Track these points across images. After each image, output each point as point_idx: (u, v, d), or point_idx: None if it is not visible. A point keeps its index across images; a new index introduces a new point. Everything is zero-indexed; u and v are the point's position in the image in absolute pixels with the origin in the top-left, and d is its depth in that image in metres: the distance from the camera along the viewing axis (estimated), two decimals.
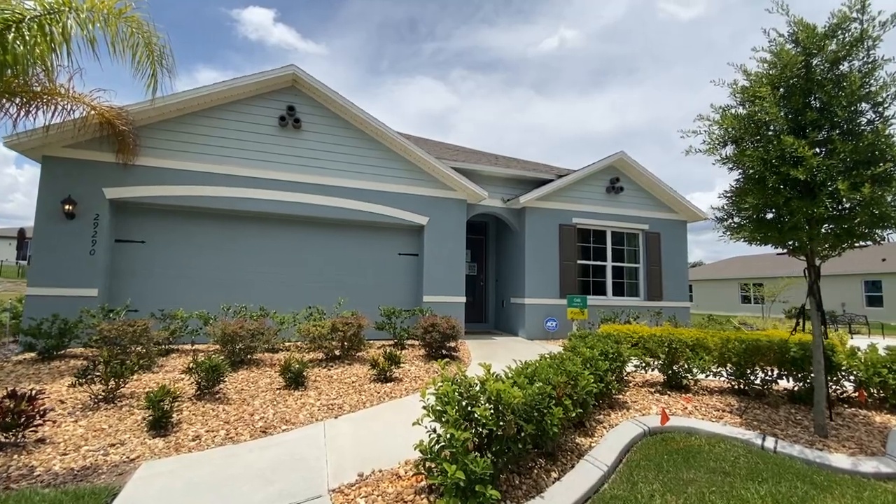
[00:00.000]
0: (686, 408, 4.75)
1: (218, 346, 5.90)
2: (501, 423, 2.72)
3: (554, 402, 3.12)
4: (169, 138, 7.37)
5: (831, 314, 26.31)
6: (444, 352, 6.73)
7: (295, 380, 4.97)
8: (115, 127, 6.72)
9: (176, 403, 4.08)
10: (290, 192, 7.90)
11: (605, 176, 10.56)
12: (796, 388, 5.07)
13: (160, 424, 3.74)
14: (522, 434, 2.85)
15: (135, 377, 5.10)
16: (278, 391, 4.87)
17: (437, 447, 2.74)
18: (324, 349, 6.18)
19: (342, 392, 4.95)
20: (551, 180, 10.07)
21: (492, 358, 7.11)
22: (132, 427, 3.82)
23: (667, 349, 5.29)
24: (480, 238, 11.31)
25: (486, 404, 2.83)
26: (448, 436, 2.61)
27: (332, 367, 5.95)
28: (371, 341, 7.54)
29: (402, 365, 5.68)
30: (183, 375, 5.07)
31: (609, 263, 10.50)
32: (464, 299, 8.86)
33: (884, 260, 26.98)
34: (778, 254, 31.57)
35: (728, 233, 4.70)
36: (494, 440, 2.75)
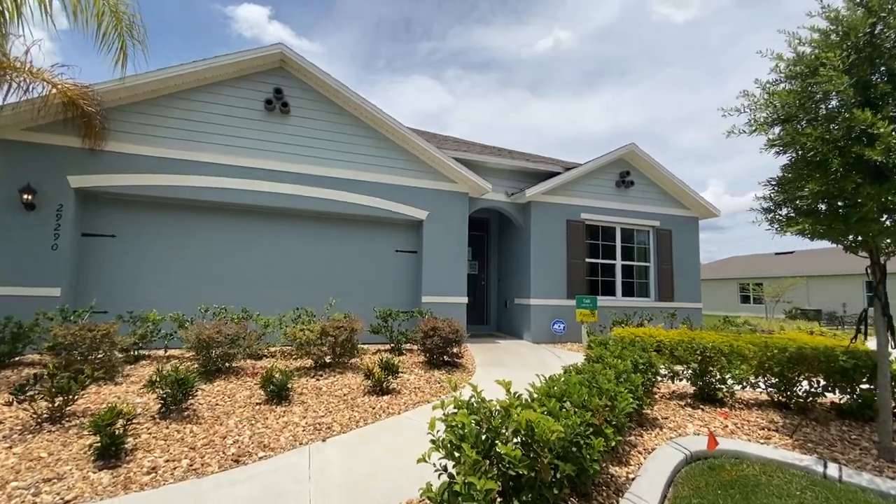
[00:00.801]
0: (726, 425, 4.16)
1: (193, 353, 5.24)
2: (535, 465, 2.10)
3: (593, 430, 2.51)
4: (142, 122, 6.68)
5: (831, 314, 26.02)
6: (446, 358, 6.11)
7: (278, 393, 4.33)
8: (80, 108, 6.03)
9: (133, 425, 3.44)
10: (278, 183, 7.24)
11: (615, 169, 9.98)
12: (844, 402, 4.51)
13: (109, 453, 3.09)
14: (559, 476, 2.23)
15: (93, 389, 4.45)
16: (258, 406, 4.22)
17: (448, 495, 2.12)
18: (312, 356, 5.54)
19: (332, 407, 4.31)
20: (558, 173, 9.47)
21: (498, 365, 6.50)
22: (77, 455, 3.16)
23: (699, 357, 4.70)
24: (482, 235, 10.70)
25: (514, 438, 2.21)
26: (465, 483, 1.99)
27: (321, 376, 5.31)
28: (365, 346, 6.91)
29: (400, 374, 5.05)
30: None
31: (618, 262, 9.92)
32: (466, 300, 8.25)
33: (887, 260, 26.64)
34: (777, 253, 30.82)
35: (775, 226, 4.11)
36: (525, 487, 2.13)
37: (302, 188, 7.37)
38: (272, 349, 6.33)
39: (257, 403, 4.30)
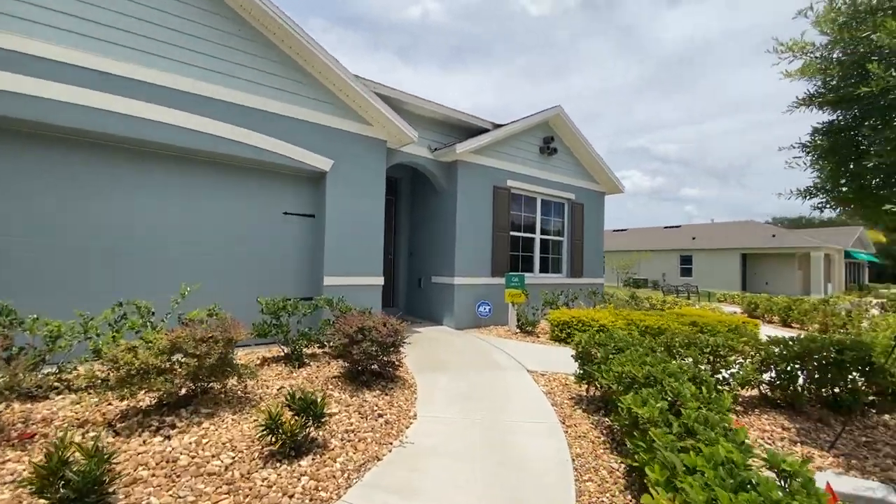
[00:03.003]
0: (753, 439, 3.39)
1: None
2: None
3: None
4: None
5: (655, 282, 31.18)
6: (375, 367, 4.30)
7: None
8: None
9: None
10: (94, 91, 4.25)
11: (540, 133, 9.02)
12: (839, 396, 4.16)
13: None
14: None
15: None
16: None
17: None
18: (156, 389, 3.17)
19: None
20: (486, 130, 8.07)
21: (440, 368, 4.95)
22: None
23: (709, 355, 3.88)
24: (390, 199, 8.76)
25: None
26: None
27: (173, 427, 3.02)
28: (245, 350, 4.68)
29: (324, 416, 3.10)
30: None
31: (538, 236, 9.14)
32: (381, 280, 6.41)
33: (693, 238, 32.82)
34: (614, 230, 35.30)
35: (836, 206, 3.36)
36: None
37: (138, 106, 4.48)
38: (73, 374, 3.64)
39: None
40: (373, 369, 4.25)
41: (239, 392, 3.70)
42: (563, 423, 3.60)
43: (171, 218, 5.02)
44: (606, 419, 3.63)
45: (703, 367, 3.87)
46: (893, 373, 4.10)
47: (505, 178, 8.27)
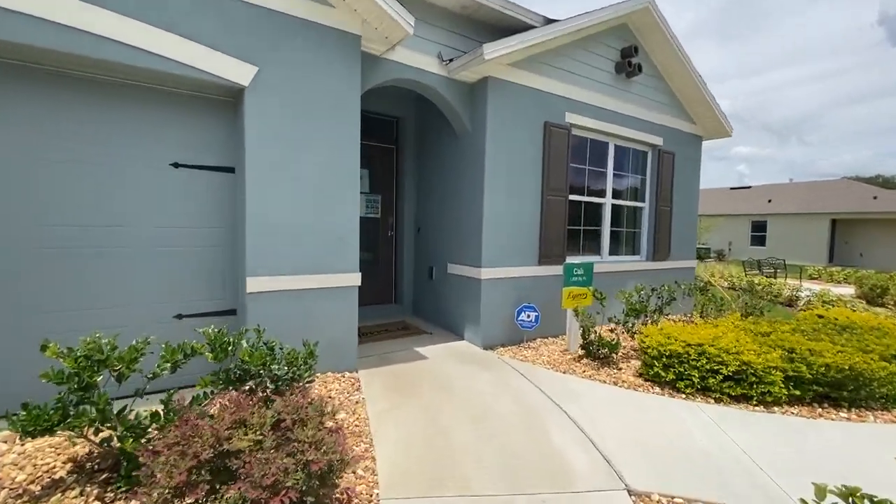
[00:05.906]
0: None
1: None
2: None
3: None
4: None
5: (719, 252, 27.01)
6: None
7: None
8: None
9: None
10: None
11: (615, 42, 5.86)
12: None
13: None
14: None
15: None
16: None
17: None
18: None
19: None
20: (532, 26, 5.04)
21: (442, 479, 2.30)
22: None
23: None
24: (389, 147, 6.03)
25: None
26: None
27: None
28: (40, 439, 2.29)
29: None
30: None
31: (608, 200, 6.17)
32: (356, 279, 3.80)
33: (770, 201, 28.06)
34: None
35: None
36: None
37: None
38: None
39: None
40: None
41: None
42: None
43: None
44: None
45: None
46: None
47: (563, 111, 5.29)
